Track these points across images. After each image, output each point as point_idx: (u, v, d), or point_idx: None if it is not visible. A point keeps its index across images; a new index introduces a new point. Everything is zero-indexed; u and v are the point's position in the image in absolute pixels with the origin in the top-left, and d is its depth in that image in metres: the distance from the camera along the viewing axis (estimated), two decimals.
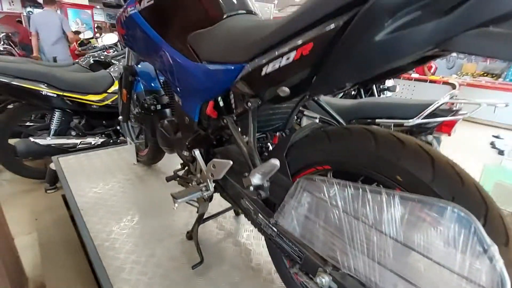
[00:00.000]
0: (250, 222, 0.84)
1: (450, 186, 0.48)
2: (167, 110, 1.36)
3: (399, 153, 0.53)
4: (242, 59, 0.69)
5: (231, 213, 1.33)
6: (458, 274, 0.43)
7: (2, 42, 5.52)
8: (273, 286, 0.99)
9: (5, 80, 1.76)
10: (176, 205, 0.86)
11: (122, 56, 2.63)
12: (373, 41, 0.43)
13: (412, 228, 0.47)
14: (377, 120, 1.50)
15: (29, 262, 1.30)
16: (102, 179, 1.56)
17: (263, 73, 0.59)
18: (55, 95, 1.93)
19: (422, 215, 0.47)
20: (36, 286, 1.22)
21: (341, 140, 0.62)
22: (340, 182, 0.56)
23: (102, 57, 2.65)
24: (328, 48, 0.49)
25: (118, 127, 2.31)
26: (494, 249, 0.41)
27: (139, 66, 1.46)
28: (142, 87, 1.44)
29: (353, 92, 2.43)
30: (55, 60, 3.57)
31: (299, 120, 1.83)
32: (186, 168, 1.10)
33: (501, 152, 3.57)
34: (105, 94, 2.16)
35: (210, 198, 1.01)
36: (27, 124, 2.17)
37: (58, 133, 2.05)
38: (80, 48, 3.39)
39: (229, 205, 1.09)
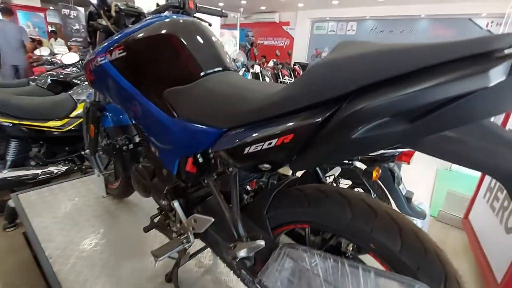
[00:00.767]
0: (233, 272, 0.86)
1: (415, 255, 0.55)
2: (139, 150, 1.32)
3: (372, 223, 0.59)
4: (221, 125, 0.72)
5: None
6: None
7: None
8: None
9: None
10: (158, 262, 0.86)
11: (84, 75, 2.49)
12: (350, 139, 0.49)
13: None
14: None
15: None
16: (69, 218, 1.47)
17: (245, 152, 0.62)
18: (11, 125, 1.78)
19: None
20: None
21: (318, 205, 0.67)
22: (321, 253, 0.60)
23: (61, 76, 2.49)
24: (308, 138, 0.54)
25: (83, 152, 2.19)
26: None
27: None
28: (111, 122, 1.39)
29: None
30: (16, 69, 3.55)
31: None
32: (164, 213, 1.09)
33: None
34: (67, 119, 2.04)
35: (192, 255, 1.01)
36: None
37: (15, 164, 1.89)
38: (36, 64, 3.13)
39: None
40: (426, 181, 3.10)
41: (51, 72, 2.58)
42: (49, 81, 2.40)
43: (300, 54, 10.81)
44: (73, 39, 2.88)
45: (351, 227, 0.62)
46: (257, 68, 4.97)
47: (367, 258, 0.64)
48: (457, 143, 0.44)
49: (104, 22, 1.10)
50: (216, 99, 0.76)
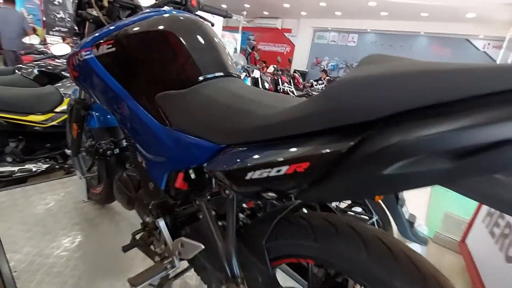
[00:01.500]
0: None
1: None
2: (126, 155, 1.20)
3: (391, 269, 0.49)
4: (219, 141, 0.61)
5: None
6: None
7: None
8: None
9: None
10: None
11: None
12: (380, 175, 0.39)
13: None
14: None
15: None
16: (41, 225, 1.33)
17: (247, 177, 0.50)
18: None
19: None
20: None
21: (327, 239, 0.57)
22: None
23: (50, 67, 2.33)
24: (327, 169, 0.43)
25: (67, 150, 2.04)
26: None
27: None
28: (96, 122, 1.26)
29: None
30: (16, 54, 3.62)
31: None
32: (147, 230, 0.96)
33: None
34: (51, 114, 1.89)
35: (176, 276, 0.89)
36: None
37: None
38: (23, 52, 2.96)
39: None
40: (420, 200, 3.04)
41: (39, 62, 2.42)
42: (35, 71, 2.25)
43: (300, 61, 10.81)
44: (56, 28, 2.71)
45: (365, 271, 0.52)
46: (256, 73, 4.89)
47: None
48: (507, 188, 0.35)
49: (95, 12, 0.98)
50: (215, 109, 0.65)
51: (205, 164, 0.64)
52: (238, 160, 0.53)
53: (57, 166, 1.98)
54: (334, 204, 1.30)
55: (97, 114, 1.27)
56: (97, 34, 0.83)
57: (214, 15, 1.32)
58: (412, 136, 0.35)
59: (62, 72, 2.30)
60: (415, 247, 1.41)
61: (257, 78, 4.83)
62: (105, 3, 0.96)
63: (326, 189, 0.45)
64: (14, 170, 1.76)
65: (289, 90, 4.44)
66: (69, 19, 2.63)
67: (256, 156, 0.50)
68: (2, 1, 4.57)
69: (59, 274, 1.09)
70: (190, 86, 0.72)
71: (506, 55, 6.87)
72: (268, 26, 11.13)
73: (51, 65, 2.39)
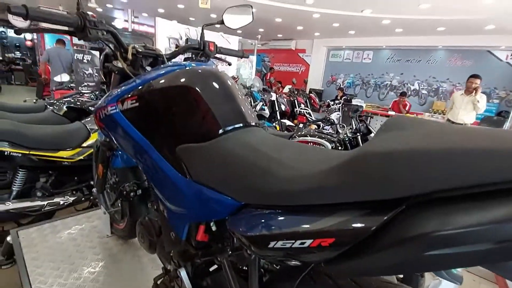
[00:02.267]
0: None
1: None
2: (149, 195, 1.23)
3: None
4: (239, 198, 0.61)
5: None
6: None
7: None
8: None
9: None
10: None
11: None
12: (416, 256, 0.37)
13: None
14: None
15: None
16: (68, 262, 1.37)
17: (270, 246, 0.50)
18: (20, 155, 1.73)
19: None
20: None
21: None
22: None
23: (78, 103, 2.49)
24: (355, 246, 0.42)
25: (92, 182, 2.12)
26: None
27: None
28: (121, 162, 1.32)
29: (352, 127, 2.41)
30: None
31: None
32: (168, 276, 0.96)
33: None
34: (78, 149, 1.99)
35: None
36: None
37: (21, 194, 1.83)
38: (55, 88, 3.20)
39: None
40: None
41: (68, 98, 2.59)
42: (65, 108, 2.40)
43: (315, 80, 10.86)
44: (85, 84, 2.93)
45: None
46: (273, 96, 4.94)
47: None
48: None
49: (120, 64, 1.04)
50: (234, 164, 0.65)
51: (226, 218, 0.65)
52: (259, 226, 0.52)
53: (83, 198, 2.05)
54: None
55: (120, 154, 1.32)
56: (121, 90, 0.88)
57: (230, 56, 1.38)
58: (454, 224, 0.34)
59: (90, 108, 2.45)
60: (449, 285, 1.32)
61: (274, 100, 4.88)
62: (129, 56, 1.03)
63: (356, 266, 0.44)
64: (44, 205, 1.84)
65: (306, 113, 4.45)
66: (96, 74, 2.84)
67: (278, 225, 0.50)
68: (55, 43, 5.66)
69: None
70: (210, 139, 0.74)
71: None
72: (282, 47, 11.36)
73: (80, 100, 2.55)
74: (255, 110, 2.34)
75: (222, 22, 1.24)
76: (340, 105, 5.38)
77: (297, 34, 9.99)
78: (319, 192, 0.47)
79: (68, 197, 1.97)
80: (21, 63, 10.48)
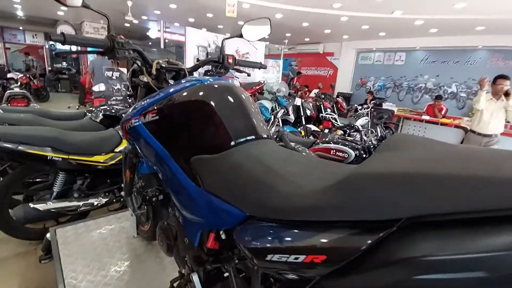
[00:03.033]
0: None
1: None
2: (170, 200, 1.30)
3: None
4: (245, 210, 0.64)
5: None
6: None
7: (19, 82, 5.97)
8: None
9: (11, 147, 1.76)
10: None
11: None
12: (404, 279, 0.37)
13: None
14: None
15: None
16: (98, 260, 1.48)
17: (267, 258, 0.52)
18: (61, 159, 1.91)
19: None
20: None
21: None
22: None
23: (113, 110, 2.68)
24: (347, 264, 0.43)
25: (123, 185, 2.27)
26: None
27: None
28: (146, 169, 1.40)
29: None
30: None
31: None
32: (183, 280, 1.01)
33: None
34: (111, 154, 2.14)
35: None
36: (30, 181, 2.15)
37: (60, 195, 2.01)
38: (93, 97, 3.47)
39: None
40: None
41: (105, 106, 2.80)
42: (101, 115, 2.60)
43: (343, 83, 10.62)
44: (113, 98, 3.19)
45: None
46: (298, 101, 4.92)
47: None
48: None
49: (145, 78, 1.13)
50: (240, 176, 0.68)
51: (234, 228, 0.67)
52: (259, 238, 0.55)
53: (114, 200, 2.20)
54: None
55: (146, 161, 1.41)
56: (143, 104, 0.95)
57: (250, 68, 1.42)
58: (445, 250, 0.34)
59: (123, 115, 2.62)
60: None
61: (298, 106, 4.86)
62: (154, 71, 1.11)
63: (348, 282, 0.45)
64: (80, 205, 2.00)
65: (332, 118, 4.37)
66: (124, 89, 3.08)
67: (275, 238, 0.52)
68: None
69: None
70: (222, 150, 0.78)
71: None
72: (310, 51, 11.27)
73: (114, 108, 2.75)
74: (276, 117, 2.37)
75: (241, 36, 1.29)
76: (368, 109, 5.21)
77: (325, 38, 9.86)
78: (314, 209, 0.48)
79: (101, 198, 2.13)
80: (66, 72, 11.44)
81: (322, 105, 5.43)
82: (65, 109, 3.87)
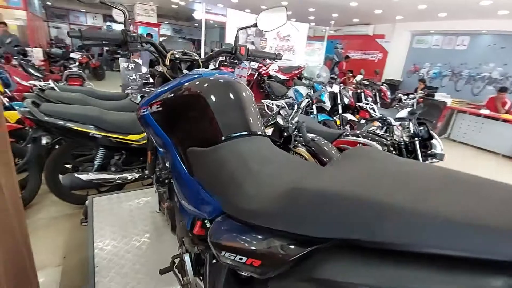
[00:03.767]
0: None
1: None
2: None
3: None
4: (222, 206, 0.68)
5: None
6: None
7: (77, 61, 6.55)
8: None
9: (61, 123, 2.03)
10: None
11: None
12: None
13: None
14: None
15: None
16: (123, 229, 1.67)
17: (222, 254, 0.56)
18: (101, 136, 2.14)
19: None
20: None
21: None
22: None
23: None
24: (280, 272, 0.45)
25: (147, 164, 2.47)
26: None
27: None
28: (162, 152, 1.51)
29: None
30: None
31: None
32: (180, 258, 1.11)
33: None
34: (143, 134, 2.33)
35: None
36: (78, 153, 2.46)
37: (100, 168, 2.27)
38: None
39: None
40: None
41: (144, 89, 3.02)
42: (139, 97, 2.81)
43: (393, 69, 9.81)
44: (130, 87, 3.37)
45: None
46: (335, 88, 4.71)
47: None
48: None
49: (161, 68, 1.20)
50: (220, 172, 0.72)
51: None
52: (219, 235, 0.59)
53: (145, 176, 2.42)
54: None
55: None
56: (151, 95, 1.03)
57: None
58: (345, 278, 0.35)
59: None
60: None
61: (336, 93, 4.65)
62: (167, 62, 1.17)
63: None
64: (115, 178, 2.24)
65: (369, 108, 4.11)
66: (139, 79, 3.23)
67: (230, 238, 0.56)
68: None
69: (125, 275, 1.36)
70: (213, 144, 0.82)
71: None
72: (358, 33, 10.53)
73: (152, 90, 2.95)
74: (300, 107, 2.26)
75: (255, 25, 1.28)
76: (414, 100, 4.79)
77: (375, 18, 9.11)
78: (262, 215, 0.50)
79: (134, 173, 2.35)
80: (121, 52, 12.32)
81: (362, 93, 5.12)
82: (117, 87, 4.25)
